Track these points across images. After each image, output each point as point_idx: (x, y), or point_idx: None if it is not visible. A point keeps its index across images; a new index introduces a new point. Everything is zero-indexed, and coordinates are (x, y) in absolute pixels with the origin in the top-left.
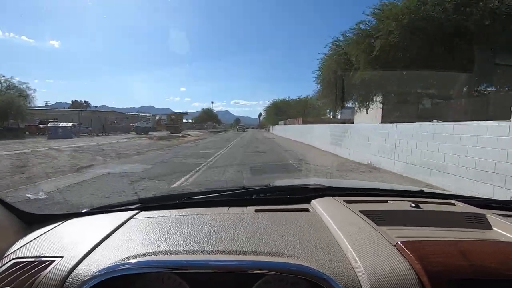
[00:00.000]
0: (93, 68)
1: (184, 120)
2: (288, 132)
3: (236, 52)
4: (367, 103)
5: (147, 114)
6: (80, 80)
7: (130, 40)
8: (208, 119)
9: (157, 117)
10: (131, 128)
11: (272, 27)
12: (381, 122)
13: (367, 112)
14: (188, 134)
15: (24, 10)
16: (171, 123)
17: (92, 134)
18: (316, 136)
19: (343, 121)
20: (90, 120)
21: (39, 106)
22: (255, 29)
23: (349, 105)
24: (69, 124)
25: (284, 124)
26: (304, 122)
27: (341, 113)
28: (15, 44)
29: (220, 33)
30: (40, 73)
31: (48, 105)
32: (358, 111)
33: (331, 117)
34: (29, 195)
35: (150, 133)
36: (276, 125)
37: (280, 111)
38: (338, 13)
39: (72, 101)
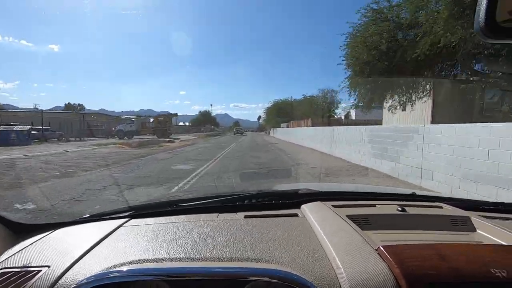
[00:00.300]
0: (93, 72)
1: (181, 123)
2: (293, 135)
3: (235, 55)
4: (414, 94)
5: (131, 116)
6: (79, 83)
7: (129, 43)
8: (206, 122)
9: (143, 119)
10: (113, 131)
11: (272, 27)
12: (432, 123)
13: (404, 109)
14: (177, 139)
15: (23, 14)
16: (158, 126)
17: (62, 139)
18: (340, 143)
19: (354, 122)
20: (70, 123)
21: (15, 109)
22: (254, 31)
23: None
24: (26, 128)
25: (287, 127)
26: (314, 124)
27: (354, 113)
28: (14, 48)
29: (219, 36)
30: (39, 77)
31: (37, 108)
32: (397, 107)
33: (342, 117)
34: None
35: (135, 137)
36: (277, 128)
37: (282, 112)
38: (338, 13)
39: (65, 104)
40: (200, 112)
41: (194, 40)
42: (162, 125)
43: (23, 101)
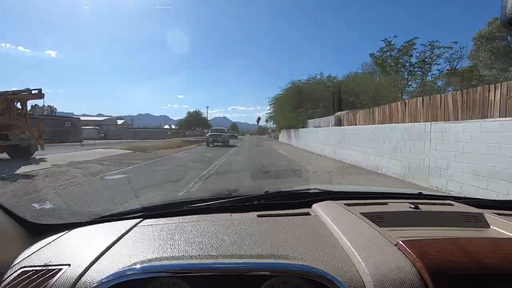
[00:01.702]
0: (91, 77)
1: (167, 126)
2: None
3: (233, 57)
4: None
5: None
6: (77, 89)
7: (127, 48)
8: (197, 124)
9: None
10: None
11: (271, 27)
12: None
13: None
14: (43, 160)
15: (19, 20)
16: None
17: None
18: None
19: None
20: None
21: None
22: (252, 33)
23: None
24: None
25: (340, 124)
26: None
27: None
28: (11, 54)
29: (216, 39)
30: (37, 83)
31: None
32: None
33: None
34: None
35: None
36: (300, 129)
37: (306, 100)
38: (338, 13)
39: (31, 106)
40: (189, 113)
41: (191, 45)
42: None
43: None
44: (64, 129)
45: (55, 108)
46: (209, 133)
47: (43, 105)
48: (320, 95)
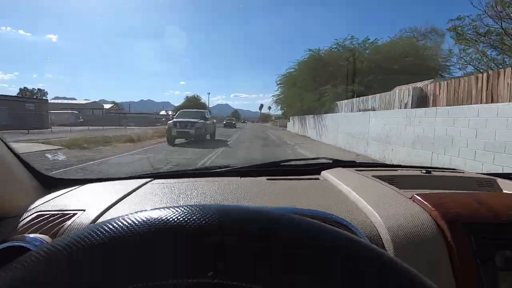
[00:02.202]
0: (92, 62)
1: (163, 112)
2: None
3: (236, 45)
4: None
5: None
6: (79, 74)
7: (128, 33)
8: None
9: None
10: None
11: (275, 12)
12: None
13: None
14: None
15: (18, 3)
16: None
17: None
18: None
19: None
20: None
21: None
22: (252, 23)
23: None
24: None
25: (427, 104)
26: None
27: None
28: (12, 38)
29: (218, 25)
30: (38, 68)
31: None
32: None
33: None
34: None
35: None
36: (326, 114)
37: (333, 75)
38: (343, 9)
39: (20, 89)
40: (187, 97)
41: (193, 32)
42: None
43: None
44: (25, 112)
45: (46, 92)
46: (172, 120)
47: (33, 88)
48: (354, 67)
